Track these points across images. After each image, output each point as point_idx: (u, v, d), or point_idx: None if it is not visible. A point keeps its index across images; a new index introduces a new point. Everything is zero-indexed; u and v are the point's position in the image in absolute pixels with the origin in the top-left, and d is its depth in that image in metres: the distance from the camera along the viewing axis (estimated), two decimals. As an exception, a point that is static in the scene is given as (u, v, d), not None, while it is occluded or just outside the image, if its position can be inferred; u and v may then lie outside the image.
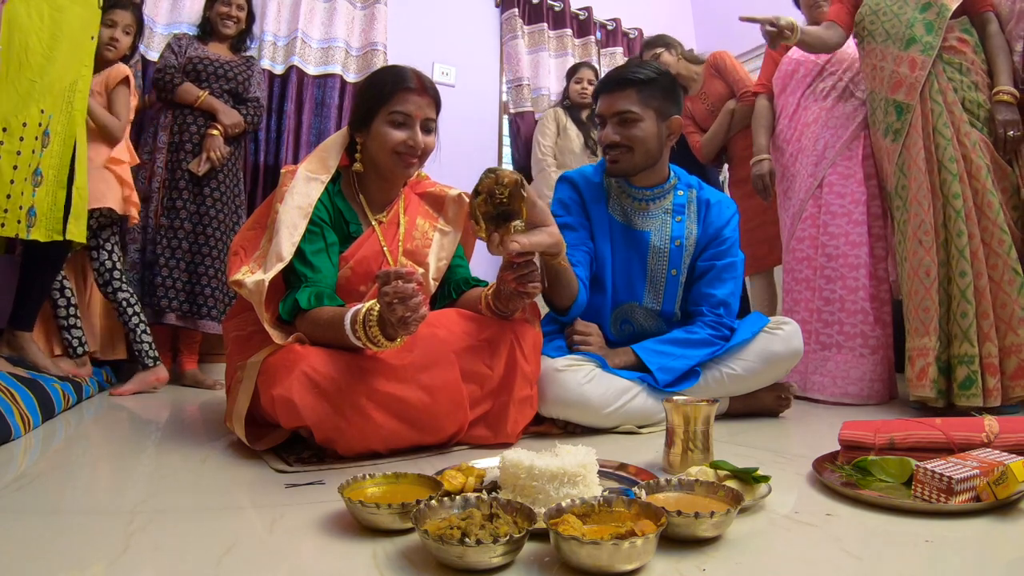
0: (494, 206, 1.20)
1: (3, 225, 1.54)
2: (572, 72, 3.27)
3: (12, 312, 1.83)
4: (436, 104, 1.40)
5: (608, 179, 1.68)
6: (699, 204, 1.68)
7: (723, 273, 1.64)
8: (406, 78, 1.36)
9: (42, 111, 1.60)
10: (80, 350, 2.13)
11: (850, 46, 2.18)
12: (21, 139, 1.55)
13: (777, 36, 1.93)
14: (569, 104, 3.23)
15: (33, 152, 1.59)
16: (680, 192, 1.67)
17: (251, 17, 2.65)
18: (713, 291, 1.63)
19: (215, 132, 2.43)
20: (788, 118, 2.31)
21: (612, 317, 1.68)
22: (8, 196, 1.54)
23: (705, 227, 1.67)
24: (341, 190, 1.42)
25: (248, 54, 2.68)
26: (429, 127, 1.39)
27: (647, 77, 1.54)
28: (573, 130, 3.15)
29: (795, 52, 2.31)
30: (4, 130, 1.52)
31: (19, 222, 1.57)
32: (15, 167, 1.54)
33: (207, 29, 2.59)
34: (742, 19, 1.95)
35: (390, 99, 1.35)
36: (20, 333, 1.82)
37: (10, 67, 1.52)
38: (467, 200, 1.53)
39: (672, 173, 1.68)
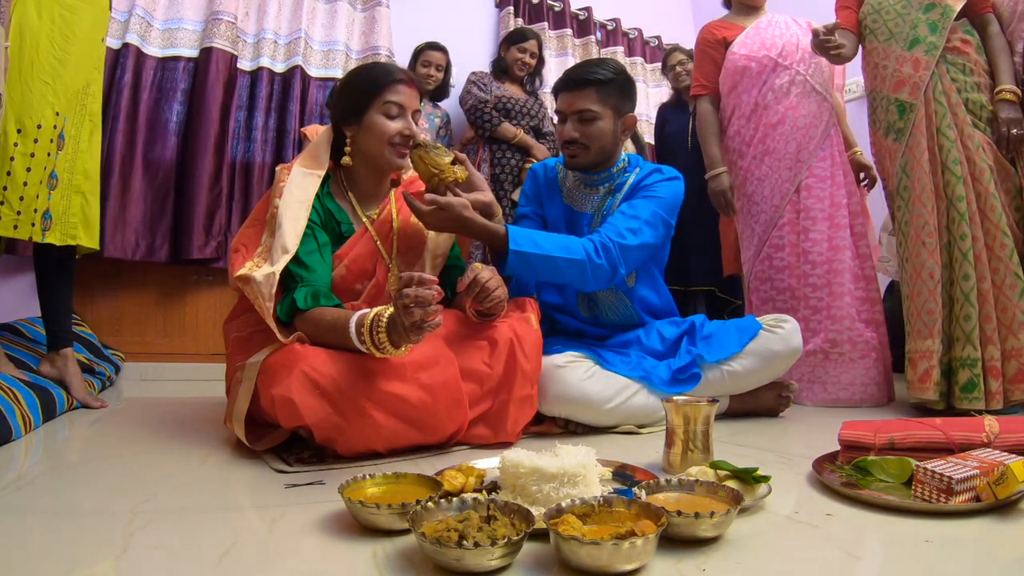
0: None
1: (16, 227, 1.52)
2: None
3: (47, 332, 1.73)
4: (420, 98, 1.47)
5: (563, 169, 1.73)
6: (637, 178, 1.67)
7: (627, 209, 1.58)
8: (396, 71, 1.41)
9: (56, 113, 1.58)
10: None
11: (796, 36, 2.14)
12: (35, 141, 1.54)
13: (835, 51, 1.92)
14: None
15: (48, 155, 1.57)
16: (627, 174, 1.68)
17: (541, 62, 3.04)
18: (614, 221, 1.55)
19: None
20: (745, 119, 2.16)
21: (578, 300, 1.72)
22: (21, 198, 1.52)
23: (632, 189, 1.65)
24: (330, 191, 1.43)
25: (538, 92, 3.09)
26: (416, 118, 1.43)
27: (606, 77, 1.58)
28: None
29: (742, 47, 2.18)
30: (19, 131, 1.51)
31: (33, 225, 1.55)
32: (28, 169, 1.52)
33: (502, 67, 3.00)
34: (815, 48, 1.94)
35: (383, 90, 1.37)
36: (62, 351, 1.72)
37: (22, 68, 1.51)
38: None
39: (624, 158, 1.70)
